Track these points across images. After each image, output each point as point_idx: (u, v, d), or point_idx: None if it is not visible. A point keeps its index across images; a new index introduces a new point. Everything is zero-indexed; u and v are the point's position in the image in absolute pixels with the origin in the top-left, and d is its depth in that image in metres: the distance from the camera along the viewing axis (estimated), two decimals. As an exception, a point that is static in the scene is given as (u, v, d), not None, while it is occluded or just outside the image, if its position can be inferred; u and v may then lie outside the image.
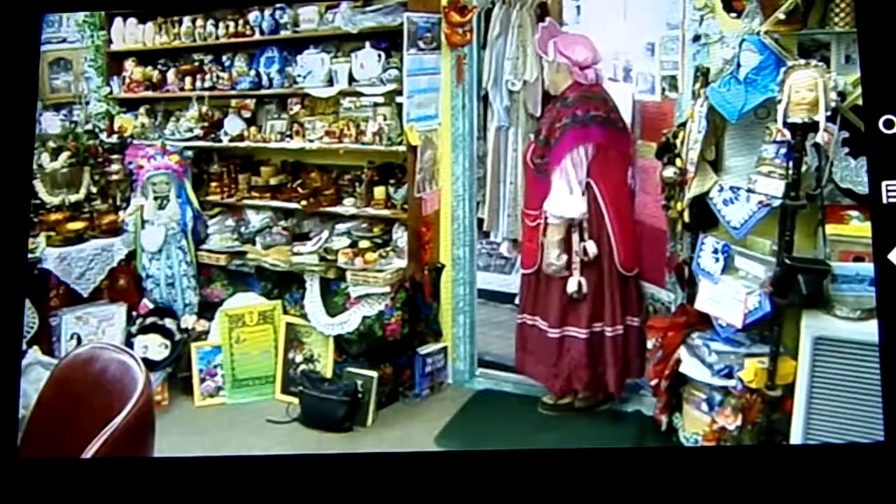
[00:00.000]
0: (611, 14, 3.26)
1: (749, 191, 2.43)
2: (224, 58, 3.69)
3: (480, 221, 3.58)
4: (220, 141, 3.61)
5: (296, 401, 3.16)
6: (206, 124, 3.62)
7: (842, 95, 2.32)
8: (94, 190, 3.36)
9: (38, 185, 3.20)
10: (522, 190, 3.26)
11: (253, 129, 3.59)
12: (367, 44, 3.29)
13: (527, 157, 3.04)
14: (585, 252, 2.92)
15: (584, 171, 2.91)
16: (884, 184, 2.04)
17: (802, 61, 2.34)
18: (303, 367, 3.26)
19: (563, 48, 2.98)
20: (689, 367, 2.59)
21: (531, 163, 3.01)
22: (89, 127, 3.53)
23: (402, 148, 3.22)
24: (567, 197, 2.91)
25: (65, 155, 3.26)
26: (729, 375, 2.48)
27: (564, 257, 2.94)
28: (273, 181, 3.57)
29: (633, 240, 3.00)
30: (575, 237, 2.93)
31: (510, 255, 3.71)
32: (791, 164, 2.33)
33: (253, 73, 3.58)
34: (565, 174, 2.90)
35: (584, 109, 2.90)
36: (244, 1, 3.50)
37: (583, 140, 2.89)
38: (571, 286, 2.94)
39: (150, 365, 3.04)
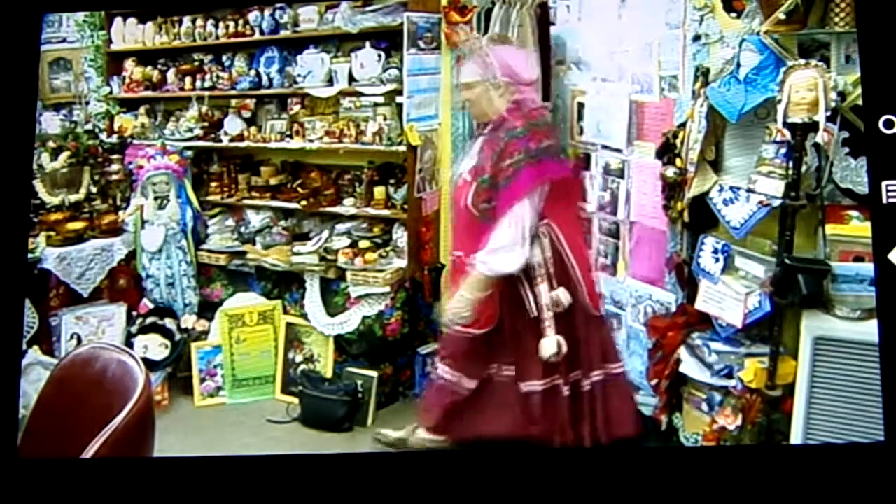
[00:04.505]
0: (605, 13, 3.26)
1: (749, 191, 2.43)
2: (224, 58, 3.70)
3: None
4: (220, 141, 3.62)
5: (296, 401, 3.16)
6: (206, 124, 3.62)
7: (842, 95, 2.32)
8: (94, 190, 3.36)
9: (38, 185, 3.20)
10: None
11: (253, 129, 3.59)
12: (367, 44, 3.29)
13: (466, 203, 2.52)
14: (557, 303, 2.51)
15: (538, 215, 2.49)
16: (884, 184, 2.04)
17: (802, 61, 2.34)
18: (303, 367, 3.26)
19: (510, 63, 2.55)
20: (689, 367, 2.59)
21: (474, 209, 2.50)
22: (89, 127, 3.53)
23: (402, 148, 3.22)
24: (517, 248, 2.45)
25: (65, 155, 3.26)
26: (729, 375, 2.48)
27: (473, 316, 2.50)
28: (273, 181, 3.57)
29: (594, 277, 2.71)
30: (543, 287, 2.49)
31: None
32: (791, 164, 2.33)
33: (253, 73, 3.58)
34: (519, 221, 2.44)
35: (536, 141, 2.46)
36: (244, 1, 3.50)
37: (540, 178, 2.46)
38: (549, 349, 2.48)
39: (150, 365, 3.05)
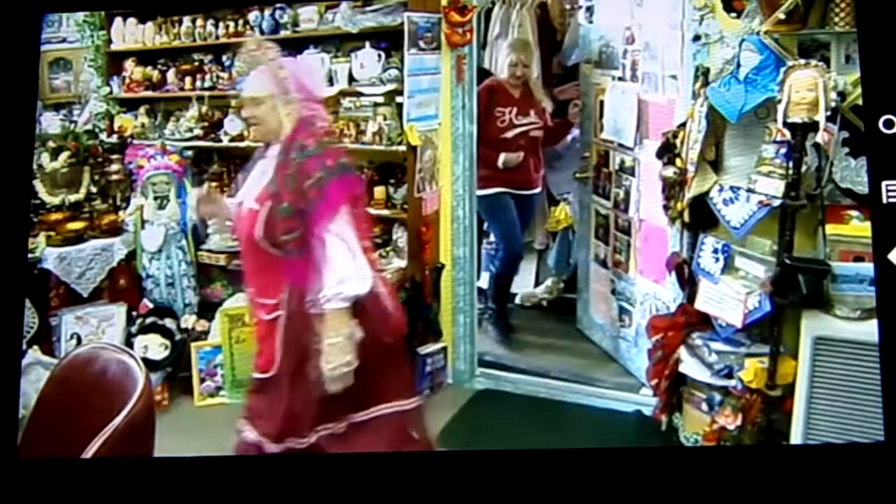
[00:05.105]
0: (620, 12, 3.29)
1: (749, 191, 2.43)
2: (224, 58, 3.69)
3: (482, 222, 3.59)
4: (220, 141, 3.61)
5: (296, 401, 3.16)
6: (206, 124, 3.62)
7: (842, 95, 2.32)
8: (94, 190, 3.36)
9: (38, 185, 3.20)
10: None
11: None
12: (367, 44, 3.29)
13: (256, 235, 2.19)
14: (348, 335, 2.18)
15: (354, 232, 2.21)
16: (884, 184, 2.04)
17: (802, 61, 2.34)
18: (303, 367, 3.26)
19: (303, 78, 2.32)
20: (689, 367, 2.59)
21: (269, 241, 2.19)
22: (89, 127, 3.53)
23: (402, 148, 3.22)
24: (356, 266, 2.16)
25: (65, 155, 3.26)
26: (729, 375, 2.48)
27: (355, 359, 2.15)
28: (273, 181, 3.57)
29: (396, 296, 2.45)
30: None
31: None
32: (791, 164, 2.33)
33: (253, 73, 3.58)
34: (342, 238, 2.16)
35: (332, 158, 2.22)
36: (244, 1, 3.50)
37: (346, 193, 2.20)
38: (338, 371, 2.15)
39: (150, 365, 3.04)
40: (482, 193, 3.49)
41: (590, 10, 3.55)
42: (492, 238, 3.80)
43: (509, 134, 3.53)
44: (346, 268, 2.16)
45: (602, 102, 3.46)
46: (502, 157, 3.52)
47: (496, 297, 3.71)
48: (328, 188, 2.17)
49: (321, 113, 2.34)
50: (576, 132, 3.74)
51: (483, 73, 3.66)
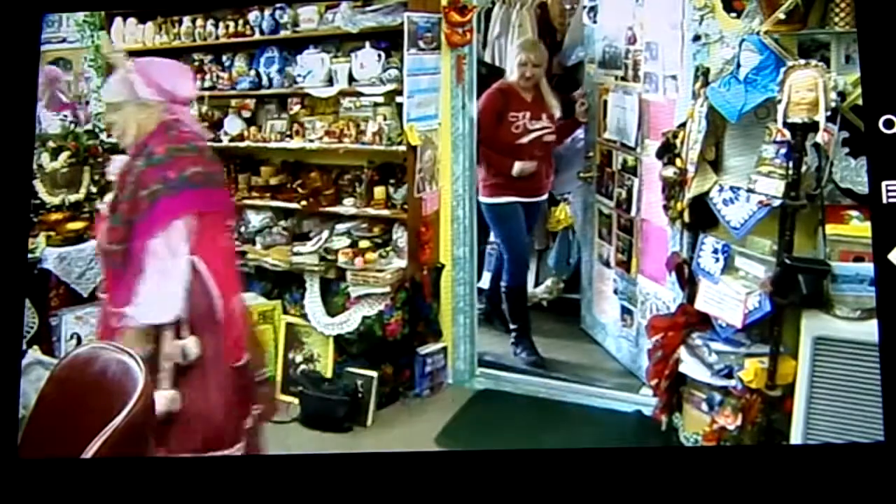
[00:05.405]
0: (623, 11, 3.30)
1: (749, 191, 2.43)
2: (224, 58, 3.69)
3: (482, 221, 3.58)
4: (220, 141, 3.61)
5: (296, 401, 3.16)
6: (206, 124, 3.61)
7: (842, 95, 2.32)
8: (94, 190, 3.35)
9: (38, 185, 3.20)
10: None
11: (253, 129, 3.59)
12: (367, 44, 3.29)
13: (100, 241, 2.19)
14: (184, 354, 2.14)
15: (185, 253, 2.13)
16: (884, 184, 2.04)
17: (802, 61, 2.34)
18: (303, 367, 3.26)
19: (159, 79, 2.21)
20: (689, 367, 2.59)
21: (108, 250, 2.16)
22: (89, 127, 3.53)
23: (402, 148, 3.22)
24: (162, 294, 2.09)
25: (65, 155, 3.26)
26: (729, 375, 2.48)
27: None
28: (273, 181, 3.57)
29: (243, 322, 2.34)
30: (168, 335, 2.13)
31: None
32: (791, 164, 2.33)
33: (253, 73, 3.58)
34: (158, 261, 2.08)
35: (177, 169, 2.11)
36: (244, 1, 3.50)
37: (179, 211, 2.10)
38: (160, 404, 2.07)
39: (150, 365, 3.04)
40: (493, 202, 3.47)
41: (593, 9, 3.55)
42: (492, 237, 3.79)
43: (524, 140, 3.46)
44: (149, 291, 2.08)
45: (606, 102, 3.46)
46: (518, 166, 3.44)
47: (515, 314, 3.58)
48: (159, 202, 2.08)
49: (185, 116, 2.27)
50: (578, 132, 3.73)
51: (487, 68, 3.64)
